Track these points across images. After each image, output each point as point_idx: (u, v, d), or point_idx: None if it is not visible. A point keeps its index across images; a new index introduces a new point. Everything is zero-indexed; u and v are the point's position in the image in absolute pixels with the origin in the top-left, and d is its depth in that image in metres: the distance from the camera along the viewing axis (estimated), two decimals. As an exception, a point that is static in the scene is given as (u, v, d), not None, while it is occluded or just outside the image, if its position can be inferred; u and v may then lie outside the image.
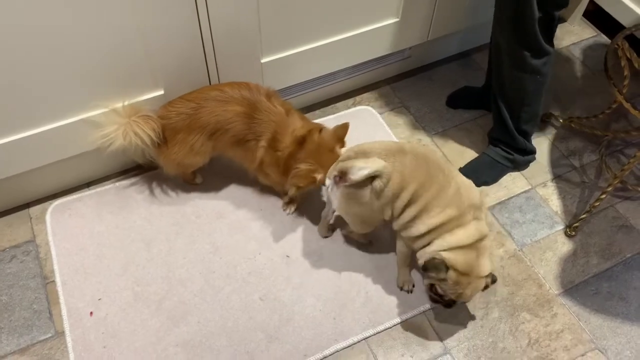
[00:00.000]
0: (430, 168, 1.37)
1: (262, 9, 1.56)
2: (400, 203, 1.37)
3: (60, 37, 1.35)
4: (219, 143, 1.57)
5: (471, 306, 1.57)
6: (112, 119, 1.51)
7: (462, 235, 1.35)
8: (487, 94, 1.87)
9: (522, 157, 1.84)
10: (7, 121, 1.46)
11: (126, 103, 1.53)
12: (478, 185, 1.78)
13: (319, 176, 1.48)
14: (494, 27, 1.66)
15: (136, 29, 1.43)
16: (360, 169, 1.32)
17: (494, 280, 1.43)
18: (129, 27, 1.41)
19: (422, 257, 1.39)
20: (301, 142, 1.50)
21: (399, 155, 1.36)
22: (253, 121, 1.52)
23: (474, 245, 1.36)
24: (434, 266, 1.34)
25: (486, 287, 1.41)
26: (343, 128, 1.51)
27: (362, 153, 1.38)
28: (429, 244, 1.37)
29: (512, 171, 1.86)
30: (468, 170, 1.83)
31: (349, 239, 1.67)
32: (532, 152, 1.85)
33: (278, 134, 1.52)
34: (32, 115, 1.48)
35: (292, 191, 1.58)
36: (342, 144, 1.53)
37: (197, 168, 1.69)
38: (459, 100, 2.04)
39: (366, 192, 1.36)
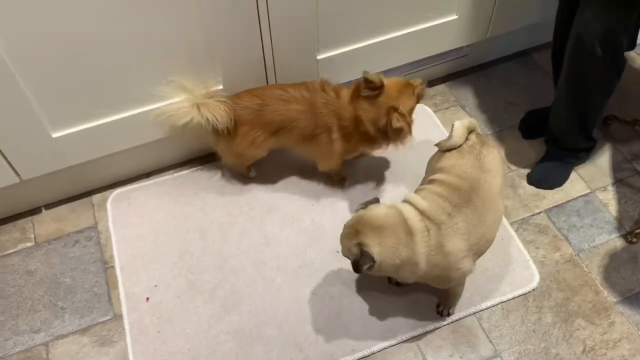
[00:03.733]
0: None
1: (321, 9, 1.58)
2: None
3: (132, 31, 1.41)
4: (284, 140, 1.61)
5: (523, 310, 1.53)
6: (186, 96, 1.55)
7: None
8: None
9: (585, 153, 1.82)
10: (86, 108, 1.54)
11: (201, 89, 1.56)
12: (551, 188, 1.78)
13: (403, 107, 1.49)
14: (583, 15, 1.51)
15: (200, 27, 1.47)
16: None
17: None
18: (192, 24, 1.46)
19: None
20: (368, 97, 1.50)
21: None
22: (317, 117, 1.56)
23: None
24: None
25: None
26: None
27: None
28: None
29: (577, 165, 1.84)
30: (538, 175, 1.80)
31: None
32: (594, 145, 1.82)
33: (342, 117, 1.54)
34: (108, 103, 1.55)
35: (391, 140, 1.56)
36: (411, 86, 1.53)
37: (254, 161, 1.72)
38: (532, 130, 1.93)
39: None
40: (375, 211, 1.29)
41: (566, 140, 1.77)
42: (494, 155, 1.39)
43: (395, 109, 1.47)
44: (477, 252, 1.34)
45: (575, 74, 1.60)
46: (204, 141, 1.66)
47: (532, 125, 1.93)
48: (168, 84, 1.53)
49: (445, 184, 1.34)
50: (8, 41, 1.30)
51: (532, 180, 1.81)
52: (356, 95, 1.52)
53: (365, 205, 1.33)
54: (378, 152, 1.78)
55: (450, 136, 1.39)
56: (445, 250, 1.26)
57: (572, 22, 1.54)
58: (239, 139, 1.60)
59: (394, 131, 1.48)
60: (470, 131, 1.40)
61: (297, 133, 1.59)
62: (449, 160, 1.38)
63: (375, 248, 1.24)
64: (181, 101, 1.54)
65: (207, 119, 1.52)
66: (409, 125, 1.52)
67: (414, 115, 1.57)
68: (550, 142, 1.82)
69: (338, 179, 1.79)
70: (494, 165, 1.37)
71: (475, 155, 1.36)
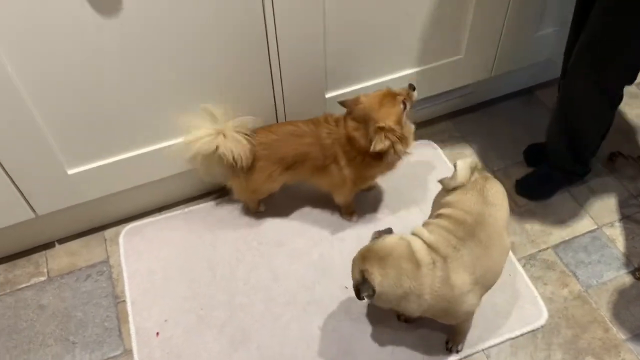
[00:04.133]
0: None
1: (329, 49, 1.63)
2: None
3: (147, 71, 1.46)
4: (298, 173, 1.66)
5: (532, 347, 1.53)
6: (209, 124, 1.55)
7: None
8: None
9: (578, 177, 1.88)
10: (102, 145, 1.58)
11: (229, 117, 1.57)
12: (534, 200, 1.84)
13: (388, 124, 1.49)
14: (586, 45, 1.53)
15: (214, 73, 1.53)
16: None
17: None
18: (207, 64, 1.51)
19: None
20: (355, 117, 1.54)
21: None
22: (323, 148, 1.61)
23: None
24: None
25: None
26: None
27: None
28: None
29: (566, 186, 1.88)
30: (525, 184, 1.87)
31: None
32: (587, 171, 1.87)
33: (342, 142, 1.59)
34: (124, 141, 1.60)
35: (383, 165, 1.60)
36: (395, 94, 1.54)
37: (267, 196, 1.75)
38: (535, 159, 1.97)
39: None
40: (385, 241, 1.32)
41: (559, 161, 1.82)
42: (497, 189, 1.41)
43: (381, 129, 1.48)
44: (484, 286, 1.35)
45: (568, 105, 1.67)
46: (217, 174, 1.68)
47: (534, 155, 1.97)
48: (190, 115, 1.56)
49: (451, 218, 1.36)
50: (26, 78, 1.34)
51: (518, 188, 1.88)
52: (345, 118, 1.58)
53: (379, 234, 1.36)
54: (388, 175, 1.74)
55: (453, 176, 1.41)
56: (450, 282, 1.28)
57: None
58: (257, 174, 1.63)
59: (381, 152, 1.50)
60: (473, 170, 1.43)
61: (309, 166, 1.63)
62: (453, 196, 1.41)
63: (377, 278, 1.27)
64: (207, 129, 1.55)
65: (232, 152, 1.54)
66: (399, 138, 1.50)
67: (410, 125, 1.58)
68: (546, 158, 1.87)
69: (347, 212, 1.81)
70: (498, 199, 1.39)
71: (478, 190, 1.39)
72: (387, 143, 1.49)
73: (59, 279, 1.72)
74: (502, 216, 1.37)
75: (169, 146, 1.64)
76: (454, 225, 1.34)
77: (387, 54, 1.75)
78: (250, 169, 1.62)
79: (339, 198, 1.75)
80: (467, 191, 1.39)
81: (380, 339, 1.55)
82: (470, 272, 1.30)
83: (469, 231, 1.32)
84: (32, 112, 1.41)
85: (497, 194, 1.40)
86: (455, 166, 1.42)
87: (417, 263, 1.28)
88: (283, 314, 1.61)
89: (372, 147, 1.49)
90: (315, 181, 1.70)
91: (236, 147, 1.55)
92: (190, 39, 1.44)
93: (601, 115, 1.66)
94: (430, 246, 1.31)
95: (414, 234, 1.37)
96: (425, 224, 1.42)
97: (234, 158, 1.55)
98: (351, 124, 1.55)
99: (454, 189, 1.41)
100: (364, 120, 1.52)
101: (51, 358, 1.55)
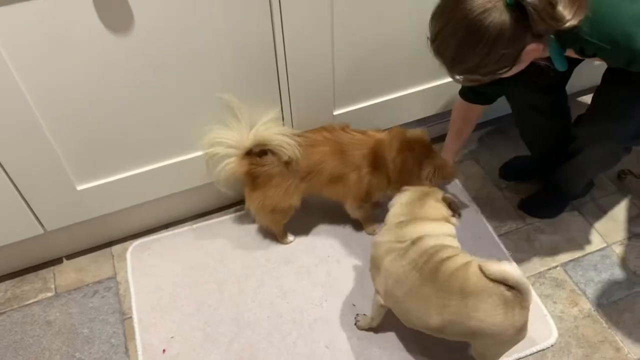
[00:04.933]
0: None
1: (337, 67, 1.64)
2: None
3: (155, 91, 1.48)
4: (314, 184, 1.64)
5: (543, 367, 1.51)
6: (236, 142, 1.58)
7: None
8: (537, 165, 1.90)
9: (583, 195, 1.89)
10: (112, 161, 1.59)
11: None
12: (541, 218, 1.84)
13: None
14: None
15: (224, 91, 1.54)
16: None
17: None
18: (215, 86, 1.52)
19: None
20: (408, 148, 1.64)
21: None
22: (345, 155, 1.61)
23: None
24: None
25: None
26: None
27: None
28: None
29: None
30: (531, 203, 1.87)
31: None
32: (592, 186, 1.88)
33: (377, 155, 1.62)
34: (134, 156, 1.61)
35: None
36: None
37: (289, 218, 1.73)
38: (513, 173, 2.00)
39: None
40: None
41: (569, 188, 1.83)
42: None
43: (436, 168, 1.65)
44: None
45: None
46: (232, 187, 1.68)
47: (515, 170, 1.98)
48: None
49: None
50: (36, 93, 1.35)
51: (524, 207, 1.88)
52: (405, 147, 1.64)
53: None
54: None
55: None
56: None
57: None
58: (273, 191, 1.62)
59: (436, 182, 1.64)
60: None
61: (326, 174, 1.63)
62: None
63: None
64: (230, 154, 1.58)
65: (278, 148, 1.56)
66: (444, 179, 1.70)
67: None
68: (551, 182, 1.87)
69: (368, 225, 1.81)
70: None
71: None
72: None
73: (67, 294, 1.72)
74: None
75: (191, 159, 1.66)
76: None
77: (395, 72, 1.76)
78: (266, 187, 1.62)
79: (352, 206, 1.73)
80: None
81: (389, 358, 1.54)
82: None
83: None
84: (42, 127, 1.42)
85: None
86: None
87: None
88: (290, 331, 1.60)
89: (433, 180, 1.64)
90: (330, 191, 1.68)
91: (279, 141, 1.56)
92: (200, 55, 1.45)
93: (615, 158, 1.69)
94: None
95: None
96: None
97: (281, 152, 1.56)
98: (407, 154, 1.64)
99: None
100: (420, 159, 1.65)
101: (57, 375, 1.55)
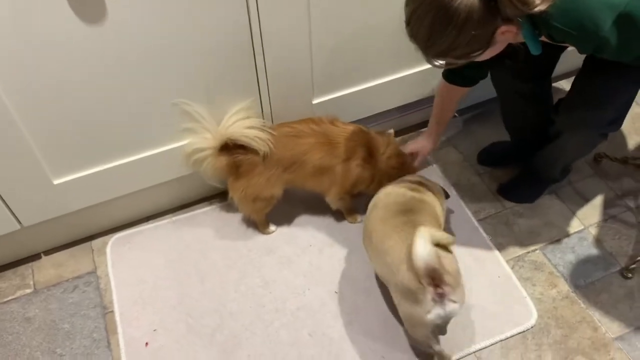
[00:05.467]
0: None
1: (315, 56, 1.64)
2: None
3: (133, 83, 1.46)
4: (297, 175, 1.64)
5: (522, 348, 1.54)
6: (207, 142, 1.59)
7: None
8: (516, 150, 1.93)
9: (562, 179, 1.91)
10: (88, 154, 1.57)
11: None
12: (519, 202, 1.87)
13: None
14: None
15: (201, 81, 1.53)
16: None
17: None
18: (190, 75, 1.51)
19: None
20: (401, 155, 1.74)
21: None
22: (333, 147, 1.62)
23: None
24: None
25: None
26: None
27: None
28: None
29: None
30: (509, 187, 1.90)
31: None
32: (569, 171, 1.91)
33: (369, 149, 1.66)
34: (111, 149, 1.59)
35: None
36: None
37: (271, 207, 1.73)
38: (492, 159, 2.01)
39: None
40: None
41: (548, 175, 1.85)
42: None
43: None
44: None
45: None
46: (220, 180, 1.70)
47: (493, 155, 2.00)
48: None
49: None
50: (11, 88, 1.33)
51: (503, 192, 1.90)
52: (402, 158, 1.74)
53: None
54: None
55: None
56: None
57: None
58: (255, 179, 1.61)
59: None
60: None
61: (310, 165, 1.62)
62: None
63: None
64: (206, 140, 1.59)
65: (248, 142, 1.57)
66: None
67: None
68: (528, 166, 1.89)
69: (350, 214, 1.82)
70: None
71: None
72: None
73: (46, 290, 1.70)
74: None
75: (167, 151, 1.64)
76: None
77: (375, 59, 1.76)
78: (249, 175, 1.61)
79: (334, 197, 1.73)
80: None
81: (370, 345, 1.55)
82: None
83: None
84: (16, 121, 1.39)
85: None
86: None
87: None
88: (273, 321, 1.60)
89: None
90: (312, 182, 1.68)
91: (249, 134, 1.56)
92: (175, 46, 1.43)
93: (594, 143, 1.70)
94: None
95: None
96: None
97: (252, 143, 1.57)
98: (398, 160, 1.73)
99: None
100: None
101: (38, 371, 1.53)
